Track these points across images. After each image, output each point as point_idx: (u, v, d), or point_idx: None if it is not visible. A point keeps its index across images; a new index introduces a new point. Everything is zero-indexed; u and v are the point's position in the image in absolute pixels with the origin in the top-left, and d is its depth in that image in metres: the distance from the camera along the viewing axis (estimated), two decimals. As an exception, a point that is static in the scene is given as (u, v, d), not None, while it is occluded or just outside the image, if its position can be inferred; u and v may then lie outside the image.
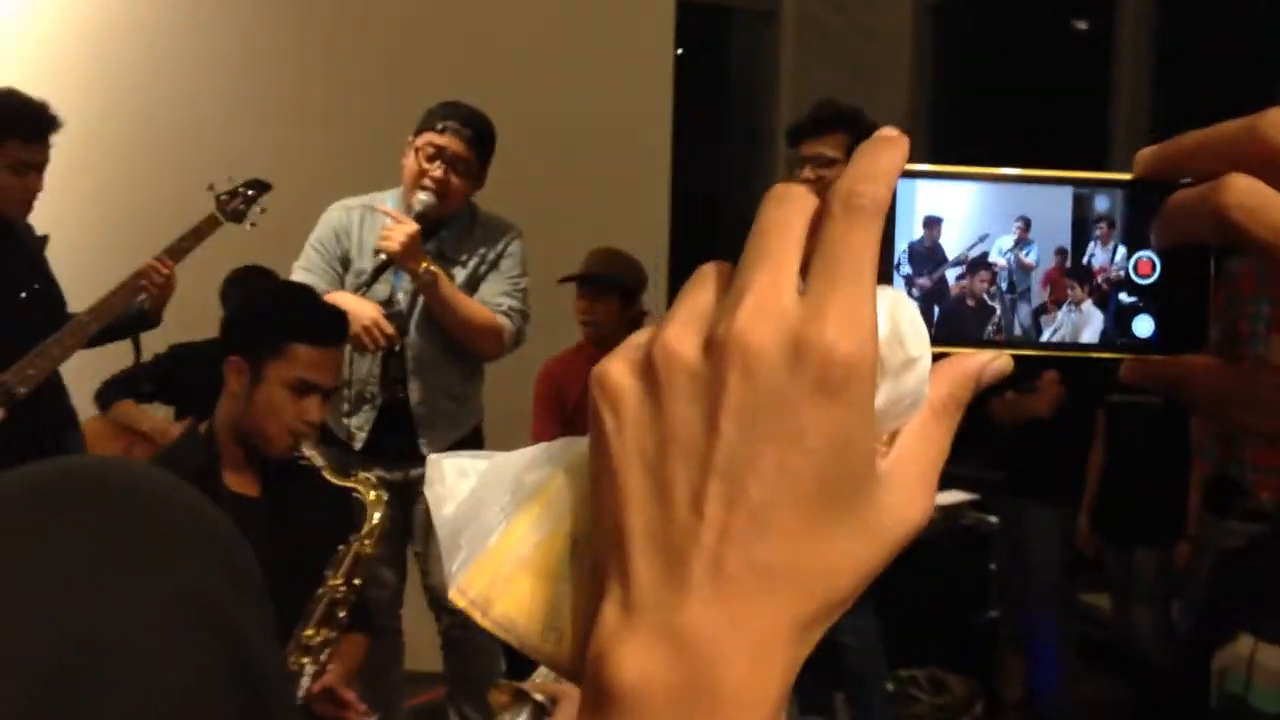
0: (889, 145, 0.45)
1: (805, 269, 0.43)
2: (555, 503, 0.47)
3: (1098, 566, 4.39)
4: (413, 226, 3.20)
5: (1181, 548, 3.92)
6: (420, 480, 3.47)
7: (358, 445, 3.46)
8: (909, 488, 0.44)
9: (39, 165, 3.38)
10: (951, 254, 0.48)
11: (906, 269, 0.47)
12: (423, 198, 3.31)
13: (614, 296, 3.94)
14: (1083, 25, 6.35)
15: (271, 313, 2.58)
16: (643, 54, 5.10)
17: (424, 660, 3.76)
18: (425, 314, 3.40)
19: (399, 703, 3.61)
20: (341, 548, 2.46)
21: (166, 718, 0.57)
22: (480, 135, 3.40)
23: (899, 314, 0.44)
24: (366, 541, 2.46)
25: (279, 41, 4.51)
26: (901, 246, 0.47)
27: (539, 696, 2.11)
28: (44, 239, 3.55)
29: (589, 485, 0.46)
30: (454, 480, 0.49)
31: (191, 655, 0.59)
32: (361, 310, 3.28)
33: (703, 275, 0.46)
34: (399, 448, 3.44)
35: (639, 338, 0.45)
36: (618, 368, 0.45)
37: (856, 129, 3.30)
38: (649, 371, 0.44)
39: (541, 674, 2.21)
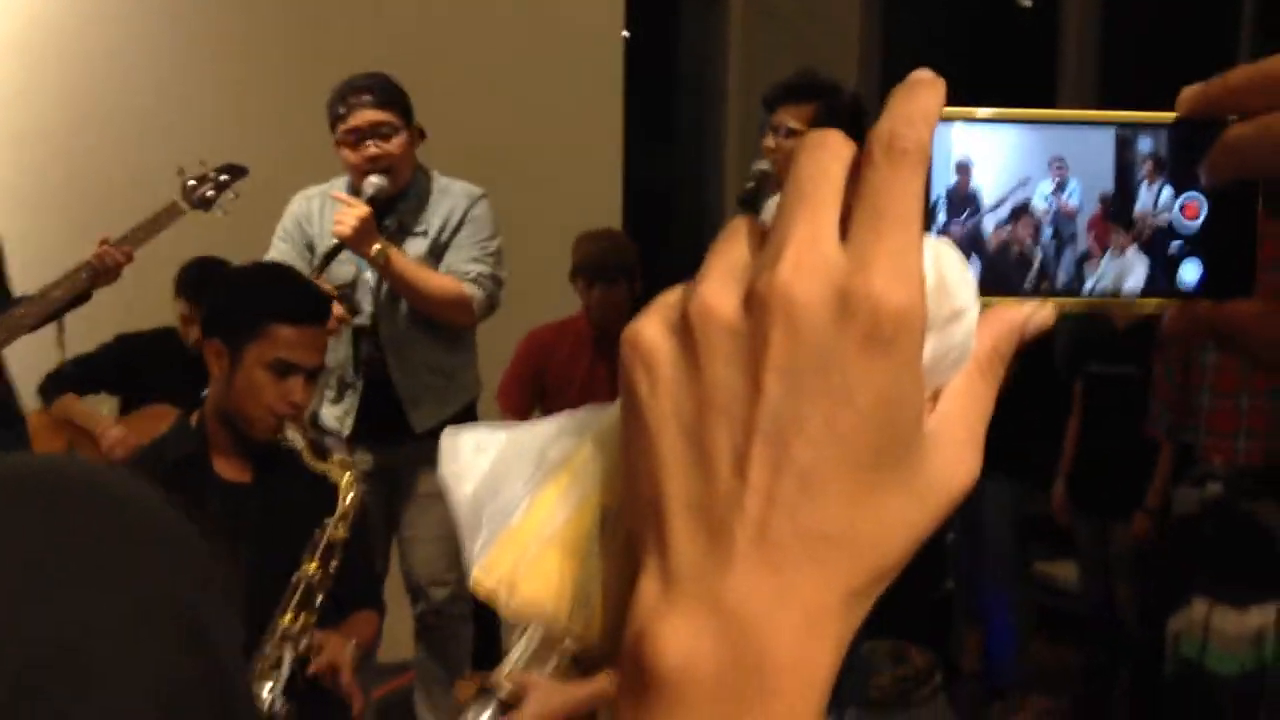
0: (927, 87, 0.42)
1: (845, 219, 0.41)
2: (583, 474, 0.44)
3: (1058, 536, 4.42)
4: (364, 209, 3.16)
5: (1139, 518, 3.96)
6: (408, 462, 3.43)
7: (346, 432, 3.42)
8: (957, 447, 0.42)
9: None
10: (988, 200, 0.45)
11: (941, 216, 0.45)
12: (373, 180, 3.27)
13: (625, 282, 3.92)
14: (1028, 2, 6.39)
15: (248, 294, 2.54)
16: (592, 38, 5.07)
17: (393, 650, 3.73)
18: (391, 291, 3.36)
19: (370, 691, 3.58)
20: (316, 531, 2.42)
21: None
22: (385, 91, 3.32)
23: (944, 264, 0.42)
24: (340, 524, 2.42)
25: (242, 26, 4.43)
26: (937, 193, 0.45)
27: (504, 691, 2.09)
28: None
29: (619, 454, 0.43)
30: (470, 456, 0.46)
31: (161, 664, 0.57)
32: None
33: (735, 229, 0.43)
34: (385, 428, 3.39)
35: (670, 296, 0.43)
36: (651, 326, 0.42)
37: (830, 102, 3.27)
38: (685, 330, 0.41)
39: (509, 666, 2.18)
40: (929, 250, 0.41)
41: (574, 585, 0.44)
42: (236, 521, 2.42)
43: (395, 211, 3.36)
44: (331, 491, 2.46)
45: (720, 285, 0.41)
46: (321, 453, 2.51)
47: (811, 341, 0.39)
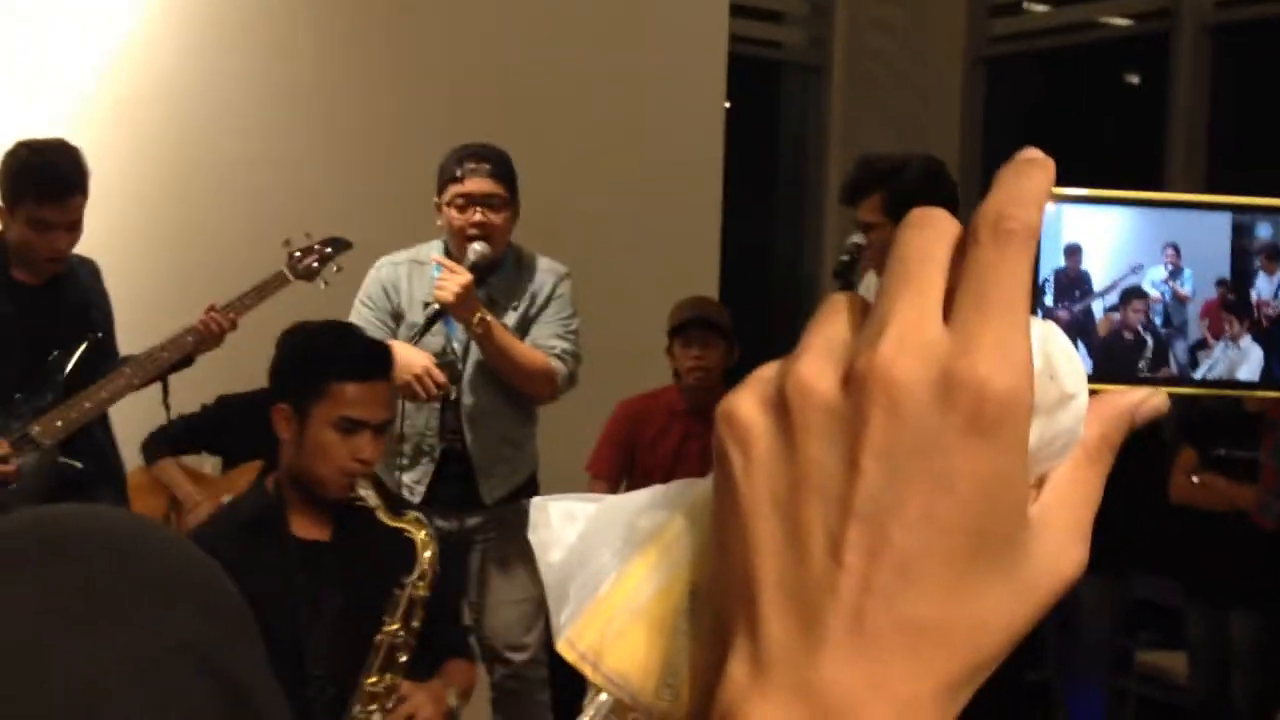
0: (1037, 167, 0.41)
1: (949, 299, 0.40)
2: (672, 550, 0.44)
3: (1166, 626, 4.28)
4: (466, 276, 3.21)
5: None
6: (475, 529, 3.46)
7: (417, 499, 3.45)
8: (1062, 537, 0.40)
9: (62, 224, 3.29)
10: (1098, 284, 0.44)
11: (1049, 300, 0.44)
12: (477, 248, 3.32)
13: (723, 342, 3.95)
14: (1135, 79, 6.31)
15: (309, 354, 2.56)
16: (694, 106, 5.12)
17: (469, 714, 3.72)
18: (479, 362, 3.40)
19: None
20: (397, 591, 2.43)
21: None
22: (501, 165, 3.41)
23: (1052, 347, 0.40)
24: (420, 583, 2.44)
25: (356, 101, 4.54)
26: (1045, 276, 0.44)
27: None
28: (93, 267, 3.52)
29: (710, 531, 0.43)
30: (560, 525, 0.45)
31: (184, 705, 0.57)
32: (413, 359, 3.28)
33: (834, 305, 0.42)
34: (457, 497, 3.43)
35: (766, 371, 0.42)
36: (747, 402, 0.41)
37: (892, 186, 3.26)
38: (781, 407, 0.40)
39: None
40: (1036, 333, 0.40)
41: (660, 661, 0.43)
42: (317, 579, 2.44)
43: (485, 285, 3.41)
44: (407, 548, 2.47)
45: (819, 362, 0.40)
46: (396, 509, 2.53)
47: (912, 424, 0.38)
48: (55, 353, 3.36)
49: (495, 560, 3.50)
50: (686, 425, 3.98)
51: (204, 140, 4.32)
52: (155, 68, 4.28)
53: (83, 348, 3.41)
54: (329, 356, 2.52)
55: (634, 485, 3.71)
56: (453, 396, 3.40)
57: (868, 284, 3.19)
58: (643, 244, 4.76)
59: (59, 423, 3.27)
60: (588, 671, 0.43)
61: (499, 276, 3.46)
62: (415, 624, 2.43)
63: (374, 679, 2.38)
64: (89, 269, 3.51)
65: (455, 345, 3.41)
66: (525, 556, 3.50)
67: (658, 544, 0.44)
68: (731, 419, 0.41)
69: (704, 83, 5.19)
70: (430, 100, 4.51)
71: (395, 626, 2.41)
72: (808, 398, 0.40)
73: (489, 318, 3.26)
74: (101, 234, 3.53)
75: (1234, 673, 4.04)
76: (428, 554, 2.46)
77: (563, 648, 0.43)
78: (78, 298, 3.48)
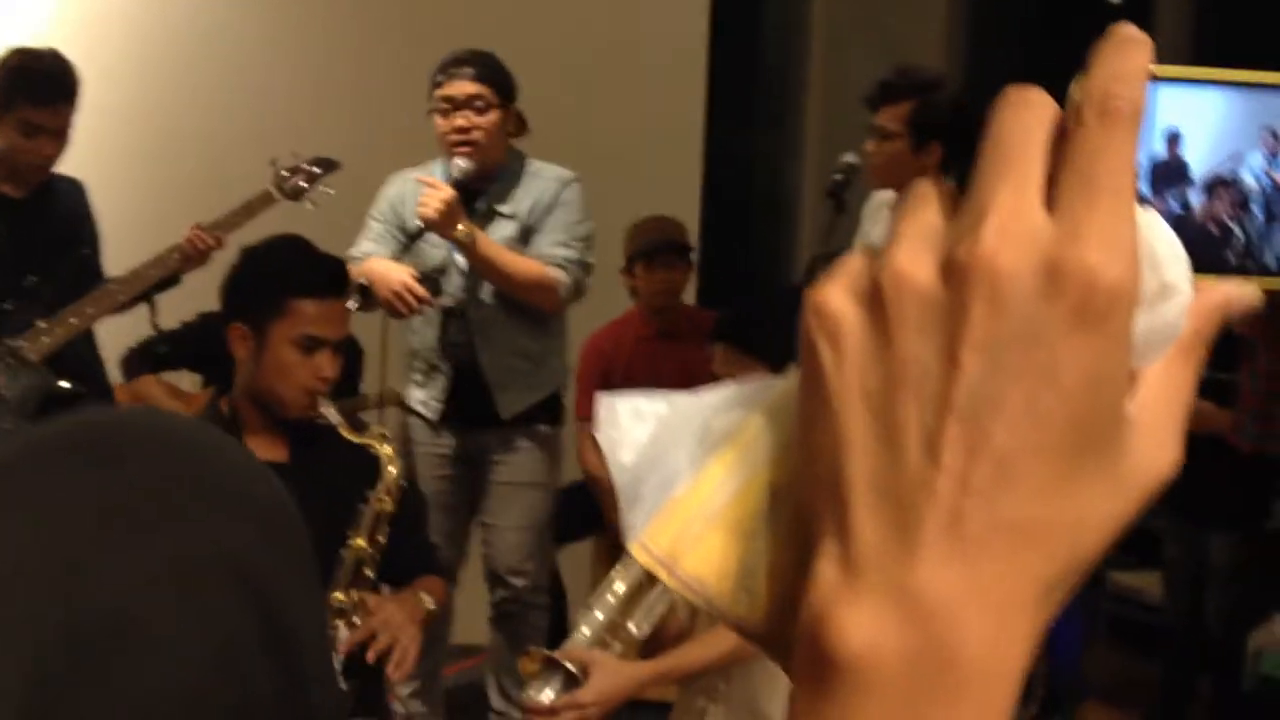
0: (1136, 44, 0.39)
1: (1050, 185, 0.38)
2: (751, 449, 0.42)
3: (1139, 546, 4.31)
4: (448, 192, 3.17)
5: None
6: (486, 448, 3.43)
7: (433, 415, 3.43)
8: (1160, 433, 0.39)
9: (53, 130, 3.29)
10: (1197, 172, 0.42)
11: (1146, 189, 0.42)
12: (459, 163, 3.28)
13: (685, 263, 3.94)
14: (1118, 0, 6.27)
15: (266, 271, 2.51)
16: (677, 23, 5.06)
17: (467, 633, 3.75)
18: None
19: (440, 670, 3.59)
20: (361, 506, 2.42)
21: (191, 686, 0.54)
22: (484, 67, 3.34)
23: (1155, 236, 0.39)
24: (385, 498, 2.42)
25: (343, 16, 4.46)
26: (1144, 163, 0.42)
27: (570, 665, 2.08)
28: (81, 190, 3.48)
29: (792, 430, 0.41)
30: (629, 424, 0.44)
31: (218, 621, 0.56)
32: (390, 274, 3.26)
33: (923, 193, 0.40)
34: (473, 412, 3.39)
35: (855, 261, 0.40)
36: (837, 293, 0.39)
37: (925, 99, 3.22)
38: (875, 298, 0.38)
39: (575, 642, 2.18)
40: (1140, 221, 0.38)
41: (738, 565, 0.41)
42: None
43: (485, 194, 3.36)
44: (372, 464, 2.44)
45: (915, 252, 0.38)
46: (359, 426, 2.50)
47: (1016, 316, 0.36)
48: (40, 268, 3.33)
49: (504, 484, 3.48)
50: (655, 348, 3.98)
51: (191, 56, 4.26)
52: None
53: (68, 264, 3.38)
54: (288, 274, 2.47)
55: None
56: (443, 307, 3.36)
57: (874, 204, 3.13)
58: (625, 162, 4.72)
59: (46, 339, 3.25)
60: (662, 575, 0.42)
61: (500, 184, 3.40)
62: (380, 539, 2.42)
63: (340, 595, 2.37)
64: (75, 186, 3.48)
65: (459, 259, 3.36)
66: (535, 483, 3.49)
67: (735, 445, 0.42)
68: (821, 310, 0.39)
69: (686, 2, 5.13)
70: (418, 19, 4.43)
71: (361, 541, 2.40)
72: (904, 288, 0.38)
73: (474, 231, 3.22)
74: (87, 152, 3.49)
75: (1209, 592, 4.09)
76: (392, 469, 2.44)
77: (636, 550, 0.42)
78: (64, 214, 3.44)
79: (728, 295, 4.45)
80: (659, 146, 4.94)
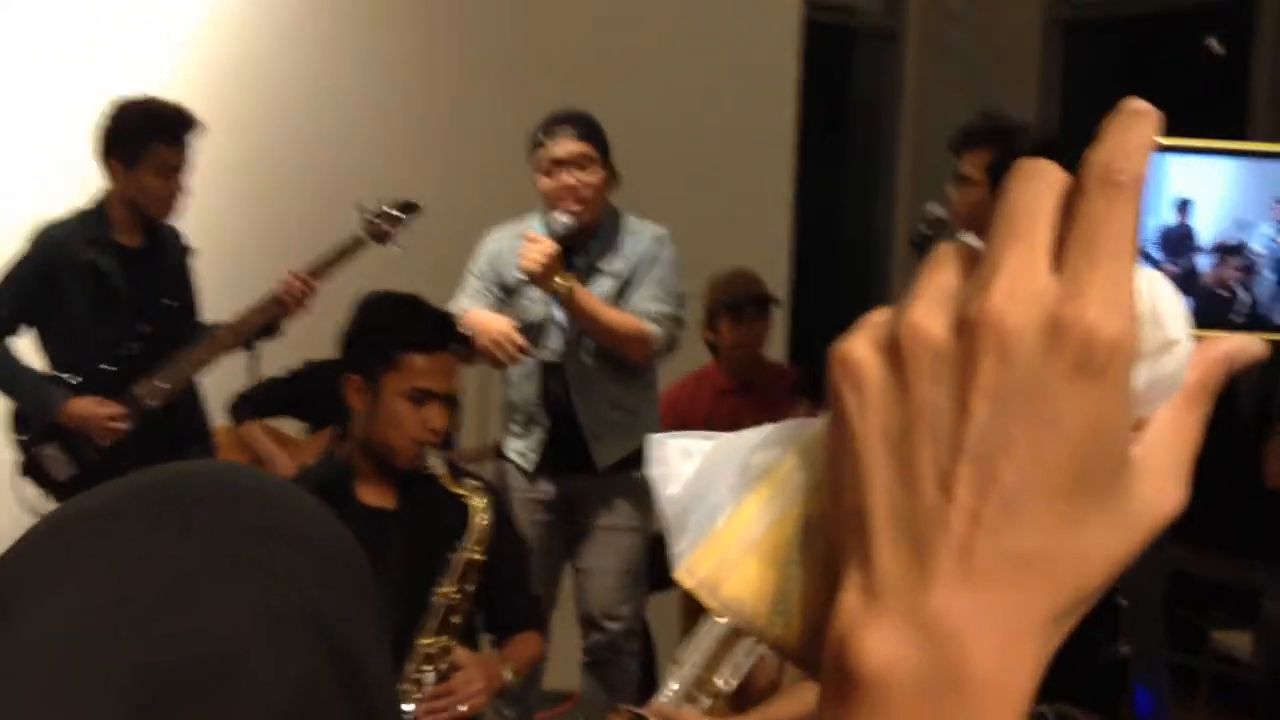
0: (1141, 118, 0.43)
1: (1057, 249, 0.42)
2: (786, 485, 0.46)
3: (1234, 604, 4.21)
4: (550, 245, 3.25)
5: None
6: (589, 496, 3.51)
7: (529, 466, 3.51)
8: (1162, 476, 0.42)
9: (181, 168, 3.46)
10: (1205, 238, 0.45)
11: (1156, 254, 0.45)
12: (562, 219, 3.36)
13: (766, 316, 3.97)
14: (1216, 44, 6.18)
15: (378, 326, 2.62)
16: (767, 72, 5.10)
17: (558, 679, 3.78)
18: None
19: (531, 716, 3.63)
20: (450, 555, 2.48)
21: None
22: (586, 126, 3.44)
23: (1157, 294, 0.42)
24: (476, 547, 2.48)
25: (435, 58, 4.58)
26: (1152, 229, 0.45)
27: None
28: (189, 250, 3.64)
29: (822, 468, 0.45)
30: (677, 460, 0.48)
31: (303, 663, 0.58)
32: (491, 324, 3.34)
33: (944, 255, 0.44)
34: (569, 463, 3.48)
35: (877, 317, 0.44)
36: (860, 345, 0.43)
37: (1006, 146, 3.23)
38: (894, 350, 0.42)
39: (662, 698, 2.20)
40: (1141, 280, 0.42)
41: (773, 590, 0.46)
42: (381, 547, 2.49)
43: (585, 251, 3.44)
44: (468, 514, 2.52)
45: (931, 308, 0.42)
46: (459, 476, 2.57)
47: (1021, 367, 0.40)
48: (156, 312, 3.47)
49: (599, 528, 3.54)
50: (735, 402, 3.99)
51: (284, 111, 4.38)
52: (240, 39, 4.35)
53: (178, 310, 3.53)
54: (398, 328, 2.57)
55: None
56: (537, 359, 3.45)
57: None
58: (714, 213, 4.76)
59: (164, 385, 3.40)
60: (704, 598, 0.46)
61: (597, 241, 3.48)
62: (470, 587, 2.48)
63: (429, 640, 2.43)
64: (175, 233, 3.62)
65: (558, 313, 3.45)
66: (630, 528, 3.54)
67: (771, 480, 0.46)
68: (846, 361, 0.43)
69: (777, 49, 5.17)
70: (503, 68, 4.54)
71: (450, 589, 2.46)
72: (920, 341, 0.42)
73: (574, 285, 3.30)
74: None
75: None
76: (481, 519, 2.50)
77: (681, 575, 0.46)
78: (173, 260, 3.58)
79: (817, 344, 4.45)
80: (748, 194, 4.97)
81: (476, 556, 2.48)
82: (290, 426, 4.14)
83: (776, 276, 4.59)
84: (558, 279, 3.27)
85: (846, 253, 6.45)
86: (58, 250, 3.40)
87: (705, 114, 4.86)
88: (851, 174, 6.47)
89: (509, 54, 4.60)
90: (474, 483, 2.56)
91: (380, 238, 3.53)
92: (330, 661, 0.59)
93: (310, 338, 3.74)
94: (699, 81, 4.87)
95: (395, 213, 3.55)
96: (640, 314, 3.43)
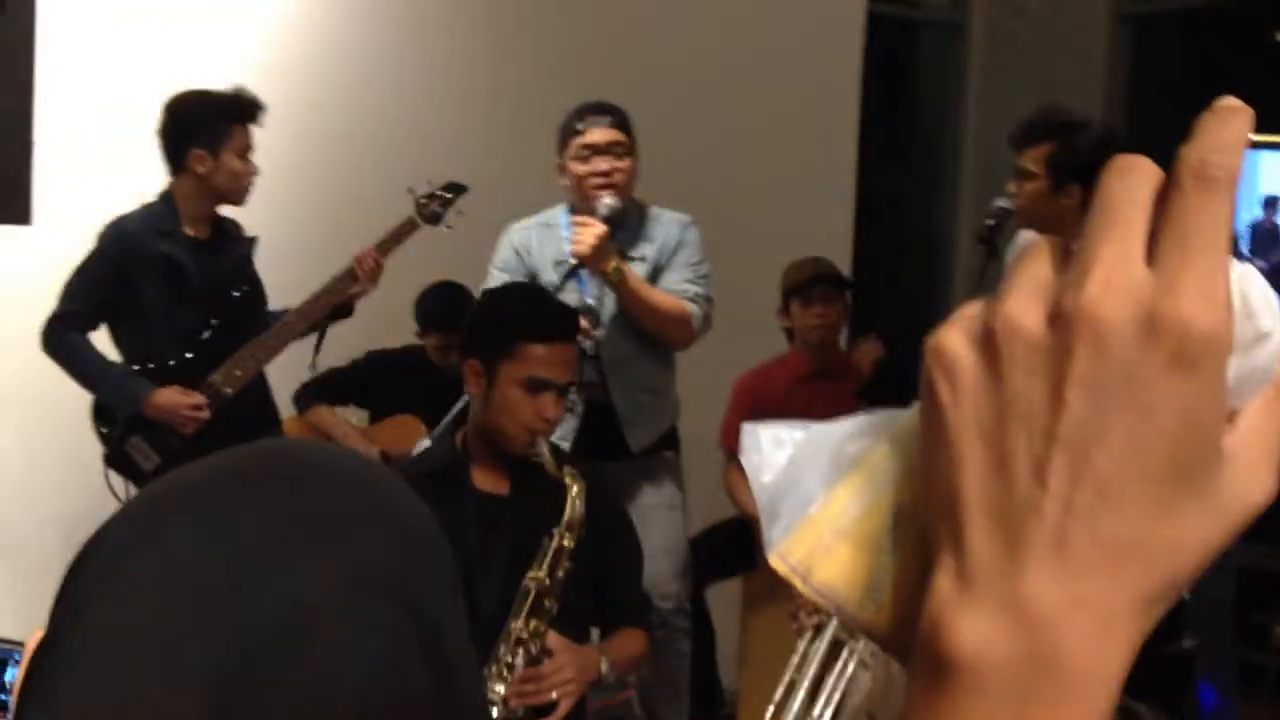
0: (1236, 115, 0.44)
1: (1151, 243, 0.43)
2: (878, 473, 0.47)
3: None
4: (601, 228, 3.27)
5: None
6: (626, 478, 3.53)
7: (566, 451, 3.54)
8: (1254, 467, 0.43)
9: (252, 149, 3.54)
10: None
11: (1245, 249, 0.46)
12: (608, 200, 3.38)
13: (842, 298, 3.99)
14: (1284, 37, 6.08)
15: (499, 314, 2.69)
16: (830, 65, 5.09)
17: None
18: (614, 314, 3.48)
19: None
20: (545, 540, 2.51)
21: (357, 691, 0.58)
22: (620, 115, 3.48)
23: (1249, 287, 0.43)
24: (567, 534, 2.51)
25: (478, 44, 4.62)
26: (1242, 225, 0.46)
27: None
28: (253, 240, 3.69)
29: (913, 457, 0.46)
30: (770, 449, 0.49)
31: (382, 631, 0.60)
32: None
33: (1037, 249, 0.45)
34: (604, 448, 3.50)
35: (971, 309, 0.45)
36: (954, 337, 0.44)
37: (1066, 141, 3.21)
38: (989, 342, 0.43)
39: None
40: (1234, 274, 0.42)
41: (865, 576, 0.46)
42: (493, 531, 2.54)
43: (615, 240, 3.46)
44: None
45: (1026, 301, 0.43)
46: (562, 464, 2.60)
47: (1117, 359, 0.41)
48: (226, 301, 3.54)
49: (642, 509, 3.57)
50: (811, 389, 3.99)
51: (346, 108, 4.44)
52: (293, 32, 4.42)
53: (245, 298, 3.59)
54: (519, 318, 2.63)
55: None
56: (589, 352, 3.47)
57: (1017, 245, 3.14)
58: (777, 205, 4.76)
59: (238, 372, 3.46)
60: (797, 584, 0.47)
61: (627, 231, 3.51)
62: (560, 573, 2.50)
63: (519, 623, 2.45)
64: (235, 224, 3.68)
65: (589, 300, 3.47)
66: (669, 505, 3.57)
67: (863, 468, 0.47)
68: (940, 352, 0.44)
69: (840, 42, 5.15)
70: (564, 62, 4.55)
71: (540, 574, 2.48)
72: (1015, 333, 0.43)
73: (623, 265, 3.32)
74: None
75: None
76: (574, 505, 2.52)
77: (774, 561, 0.47)
78: (238, 249, 3.64)
79: (880, 335, 4.45)
80: (811, 187, 4.96)
81: (567, 543, 2.51)
82: (354, 415, 4.20)
83: (840, 270, 4.57)
84: (613, 262, 3.29)
85: (909, 248, 6.41)
86: (131, 244, 3.46)
87: (768, 107, 4.86)
88: (915, 168, 6.43)
89: (571, 49, 4.62)
90: (572, 470, 2.58)
91: (431, 219, 3.62)
92: (410, 631, 0.61)
93: (369, 327, 3.80)
94: (762, 75, 4.86)
95: (444, 193, 3.65)
96: (677, 295, 3.47)
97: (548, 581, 2.48)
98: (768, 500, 0.48)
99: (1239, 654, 4.44)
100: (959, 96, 6.15)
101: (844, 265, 4.80)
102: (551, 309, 2.74)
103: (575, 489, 2.53)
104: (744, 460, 0.49)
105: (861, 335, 4.42)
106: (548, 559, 2.49)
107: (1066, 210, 3.15)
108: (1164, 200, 0.43)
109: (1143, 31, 6.11)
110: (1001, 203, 3.32)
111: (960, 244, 5.95)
